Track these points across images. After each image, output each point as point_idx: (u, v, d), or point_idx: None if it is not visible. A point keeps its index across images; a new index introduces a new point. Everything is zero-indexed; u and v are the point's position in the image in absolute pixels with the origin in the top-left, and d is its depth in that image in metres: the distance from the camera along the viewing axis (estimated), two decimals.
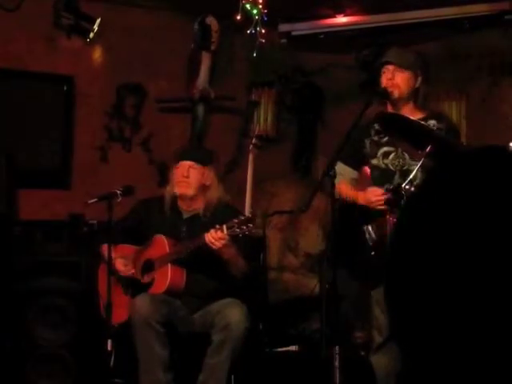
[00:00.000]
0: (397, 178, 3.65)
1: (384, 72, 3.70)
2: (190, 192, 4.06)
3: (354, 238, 3.67)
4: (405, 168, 3.64)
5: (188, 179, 4.05)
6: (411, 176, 3.44)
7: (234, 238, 3.80)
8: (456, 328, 2.82)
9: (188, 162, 4.06)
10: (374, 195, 3.58)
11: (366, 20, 5.81)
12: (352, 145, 3.63)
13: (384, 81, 3.69)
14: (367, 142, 3.77)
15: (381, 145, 3.73)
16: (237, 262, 3.97)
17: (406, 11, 5.62)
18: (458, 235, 2.81)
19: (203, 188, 4.10)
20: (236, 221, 3.75)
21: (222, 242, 3.78)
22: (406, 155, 3.66)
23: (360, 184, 3.82)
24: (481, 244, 2.74)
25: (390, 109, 3.75)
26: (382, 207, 3.54)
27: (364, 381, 3.78)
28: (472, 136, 5.60)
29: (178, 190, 4.07)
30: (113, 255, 3.91)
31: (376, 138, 3.75)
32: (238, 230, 3.74)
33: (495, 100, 5.68)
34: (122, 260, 4.06)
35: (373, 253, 3.59)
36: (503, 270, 2.72)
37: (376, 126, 3.74)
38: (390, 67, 3.68)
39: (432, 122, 3.66)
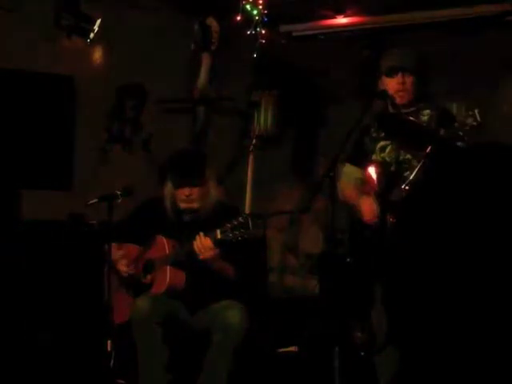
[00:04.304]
0: (392, 169, 3.73)
1: (393, 77, 3.71)
2: (195, 206, 4.07)
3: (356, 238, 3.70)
4: (400, 158, 3.71)
5: (191, 197, 4.05)
6: (411, 177, 3.46)
7: (227, 243, 3.80)
8: (456, 329, 2.82)
9: (188, 188, 4.06)
10: (369, 215, 3.66)
11: (367, 21, 5.81)
12: (354, 144, 3.83)
13: (394, 85, 3.71)
14: (367, 139, 3.86)
15: (378, 140, 3.82)
16: (225, 272, 3.97)
17: (406, 12, 5.62)
18: (458, 232, 2.82)
19: (205, 193, 4.11)
20: (229, 225, 3.74)
21: (211, 252, 3.79)
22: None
23: (366, 184, 3.85)
24: (482, 242, 2.75)
25: (390, 108, 3.80)
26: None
27: (364, 382, 3.77)
28: (472, 136, 5.59)
29: (182, 206, 4.08)
30: (117, 254, 3.96)
31: (374, 134, 3.84)
32: (230, 235, 3.74)
33: (496, 100, 5.68)
34: (125, 260, 4.07)
35: (348, 259, 3.64)
36: (505, 270, 2.72)
37: (376, 124, 3.83)
38: (401, 72, 3.70)
39: (426, 112, 3.73)
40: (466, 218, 2.84)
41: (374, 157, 3.82)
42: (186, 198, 4.05)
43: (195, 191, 4.05)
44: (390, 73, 3.73)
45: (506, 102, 5.64)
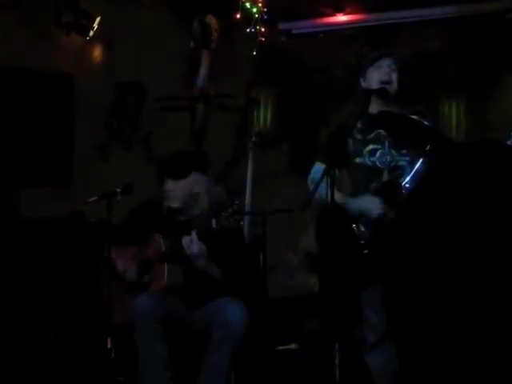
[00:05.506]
0: (385, 175, 3.58)
1: (381, 66, 3.65)
2: (176, 204, 4.09)
3: (343, 238, 3.63)
4: (393, 164, 3.56)
5: (172, 192, 4.08)
6: (412, 173, 3.45)
7: (222, 236, 3.82)
8: (456, 327, 2.82)
9: (169, 180, 4.09)
10: (375, 207, 3.52)
11: (366, 18, 5.82)
12: (334, 145, 3.65)
13: (381, 76, 3.63)
14: (350, 141, 3.66)
15: (366, 142, 3.63)
16: (210, 273, 3.97)
17: (406, 10, 5.62)
18: (458, 232, 2.81)
19: (193, 196, 4.11)
20: (224, 214, 3.76)
21: (196, 247, 3.80)
22: (394, 151, 3.58)
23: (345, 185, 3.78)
24: (481, 240, 2.74)
25: (373, 107, 3.66)
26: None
27: (364, 379, 3.77)
28: (472, 135, 5.60)
29: (165, 203, 4.11)
30: (114, 257, 3.97)
31: (359, 137, 3.65)
32: (226, 223, 3.76)
33: (496, 98, 5.68)
34: (122, 261, 4.07)
35: (366, 251, 3.54)
36: (504, 269, 2.72)
37: (358, 125, 3.65)
38: (388, 62, 3.66)
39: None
40: (467, 217, 2.84)
41: (358, 159, 3.63)
42: (167, 192, 4.07)
43: (176, 187, 4.05)
44: (378, 64, 3.65)
45: (506, 100, 5.64)
